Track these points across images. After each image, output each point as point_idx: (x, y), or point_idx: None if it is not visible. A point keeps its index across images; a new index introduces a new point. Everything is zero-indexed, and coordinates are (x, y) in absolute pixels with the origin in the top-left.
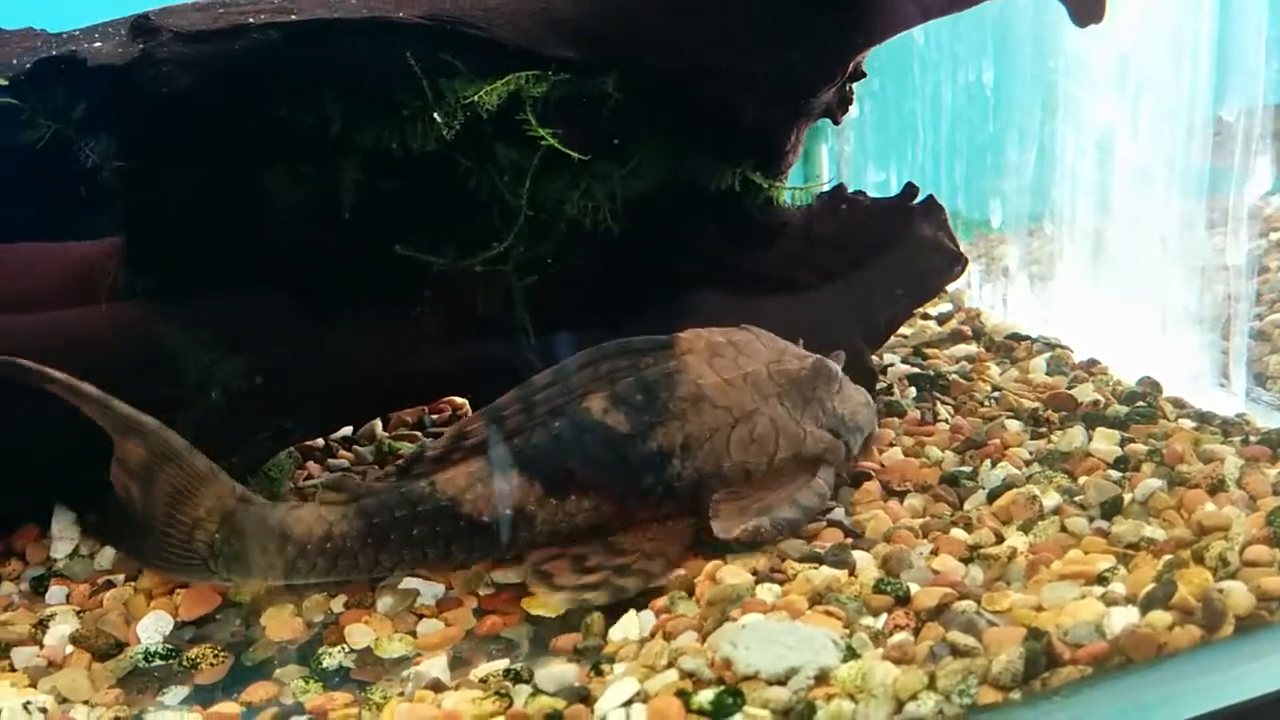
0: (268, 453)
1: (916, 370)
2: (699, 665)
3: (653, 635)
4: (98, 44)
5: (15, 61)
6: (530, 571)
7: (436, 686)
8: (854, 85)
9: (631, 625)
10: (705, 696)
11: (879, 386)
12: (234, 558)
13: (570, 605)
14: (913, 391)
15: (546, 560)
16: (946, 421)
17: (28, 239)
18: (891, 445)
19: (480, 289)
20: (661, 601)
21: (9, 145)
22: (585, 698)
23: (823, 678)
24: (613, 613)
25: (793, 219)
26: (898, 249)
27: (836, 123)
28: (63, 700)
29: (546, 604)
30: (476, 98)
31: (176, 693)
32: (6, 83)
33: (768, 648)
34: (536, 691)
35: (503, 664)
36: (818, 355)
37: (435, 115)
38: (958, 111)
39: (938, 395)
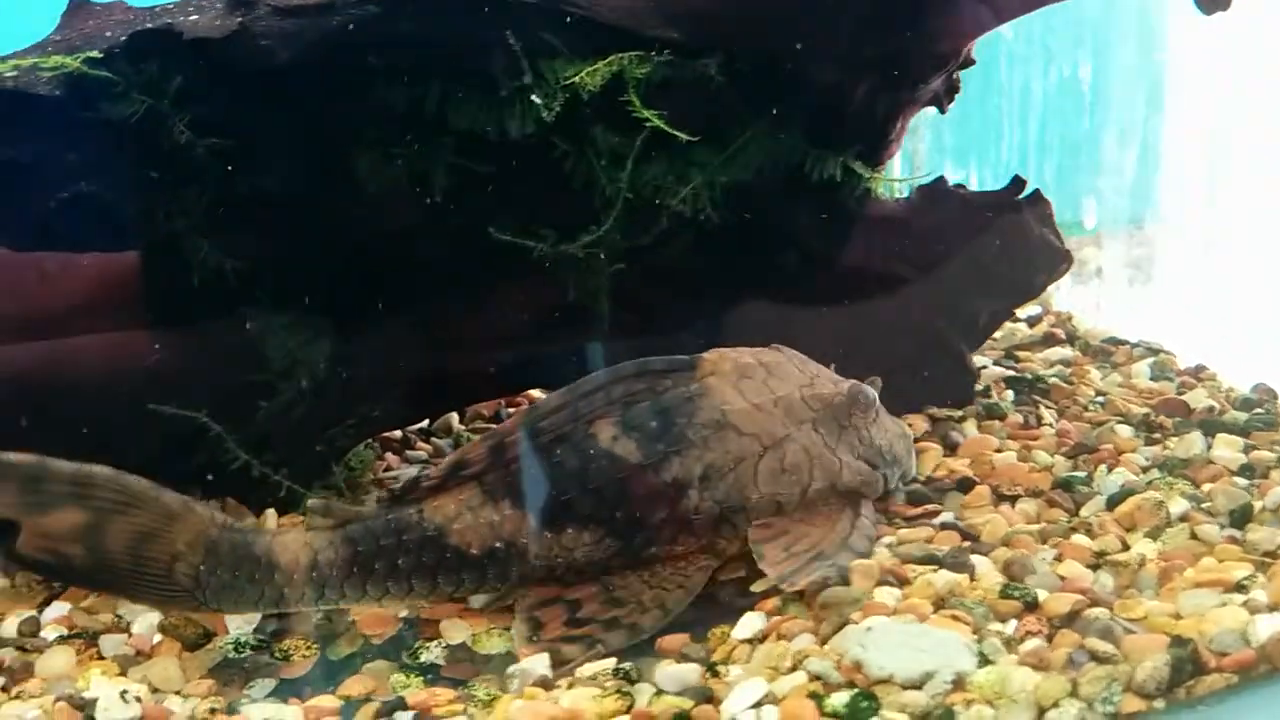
0: (353, 441)
1: (1011, 373)
2: (826, 668)
3: (764, 638)
4: (194, 17)
5: (108, 34)
6: (521, 617)
7: (545, 684)
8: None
9: (744, 627)
10: (839, 700)
11: (977, 388)
12: (221, 588)
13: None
14: (1009, 394)
15: (540, 606)
16: (1051, 426)
17: (118, 215)
18: (998, 450)
19: (571, 278)
20: (771, 603)
21: (104, 121)
22: (709, 698)
23: (959, 683)
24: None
25: (891, 211)
26: (1002, 244)
27: (943, 111)
28: (155, 690)
29: None
30: (578, 79)
31: (263, 685)
32: (100, 55)
33: (899, 651)
34: (660, 691)
35: (610, 663)
36: (854, 380)
37: (534, 96)
38: (1050, 107)
39: (1038, 399)
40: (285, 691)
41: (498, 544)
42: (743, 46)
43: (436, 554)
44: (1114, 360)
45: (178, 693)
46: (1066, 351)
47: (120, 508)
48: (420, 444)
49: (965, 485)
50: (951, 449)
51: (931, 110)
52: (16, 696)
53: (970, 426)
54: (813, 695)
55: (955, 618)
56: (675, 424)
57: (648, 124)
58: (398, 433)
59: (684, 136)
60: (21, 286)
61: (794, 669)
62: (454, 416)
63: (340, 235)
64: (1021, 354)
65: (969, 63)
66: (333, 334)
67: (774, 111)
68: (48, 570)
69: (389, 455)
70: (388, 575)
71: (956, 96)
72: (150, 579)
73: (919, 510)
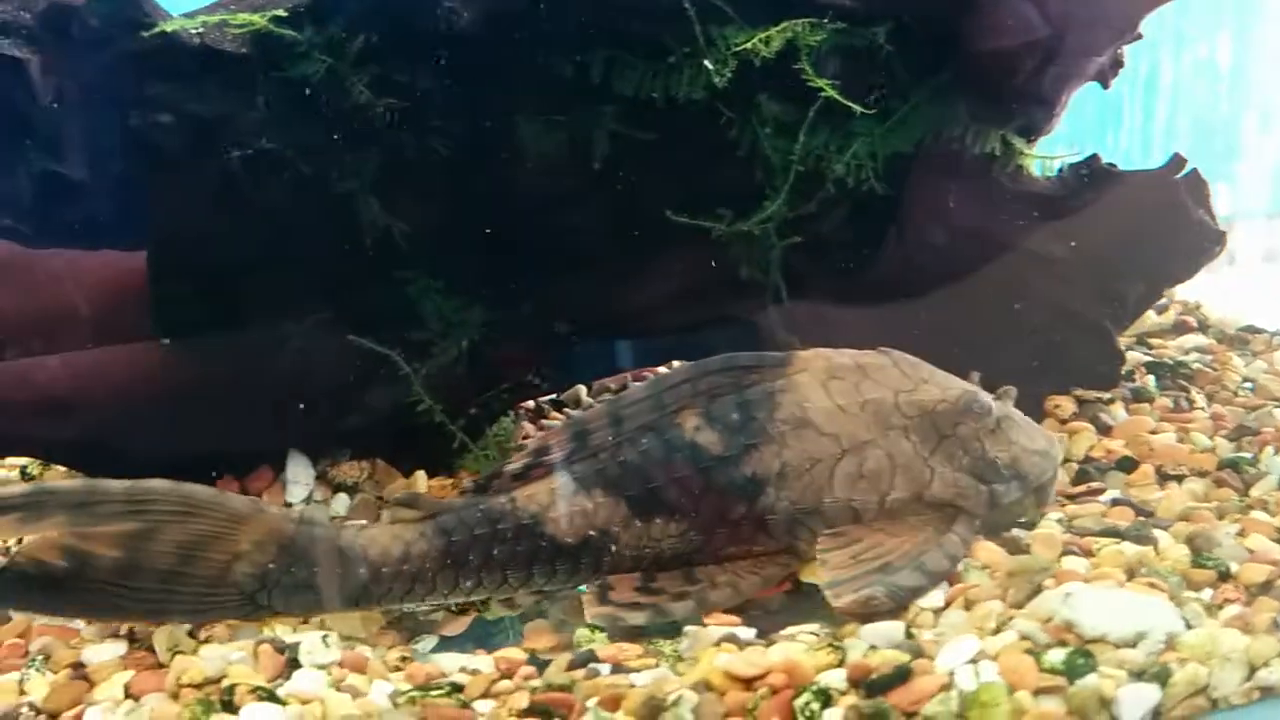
0: (505, 406)
1: (1149, 358)
2: (1032, 629)
3: (948, 604)
4: None
5: None
6: (593, 586)
7: (734, 641)
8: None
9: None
10: (1056, 656)
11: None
12: (295, 587)
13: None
14: (1151, 379)
15: (619, 581)
16: (1203, 410)
17: (295, 173)
18: (1153, 432)
19: (734, 250)
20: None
21: (286, 79)
22: (919, 654)
23: (1170, 642)
24: None
25: (1043, 189)
26: (1155, 224)
27: (1105, 87)
28: (344, 638)
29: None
30: (750, 45)
31: (427, 641)
32: (285, 14)
33: (1107, 613)
34: (873, 646)
35: (811, 625)
36: (971, 388)
37: (706, 63)
38: (1180, 92)
39: (1184, 383)
40: (445, 648)
41: (591, 532)
42: (913, 14)
43: (532, 543)
44: (1253, 348)
45: (364, 641)
46: (1200, 339)
47: (178, 517)
48: (554, 414)
49: (1127, 465)
50: (1103, 431)
51: None
52: (206, 640)
53: (1118, 409)
54: (1029, 651)
55: (1152, 585)
56: (756, 418)
57: (821, 93)
58: (530, 403)
59: (857, 108)
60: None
61: (998, 630)
62: (581, 388)
63: (499, 202)
64: (1154, 340)
65: (1137, 37)
66: (486, 300)
67: (939, 81)
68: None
69: (525, 425)
70: (482, 566)
71: (1120, 71)
72: (193, 590)
73: (1082, 488)
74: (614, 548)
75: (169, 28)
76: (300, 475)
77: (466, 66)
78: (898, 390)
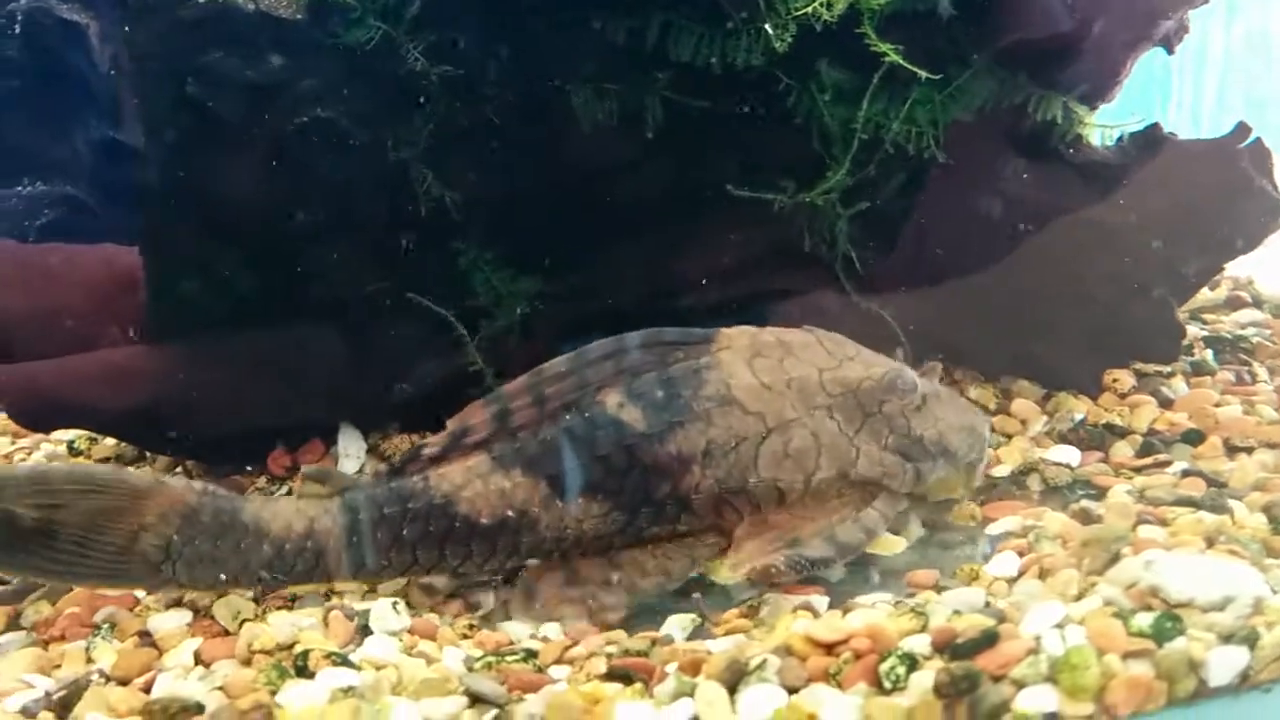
0: None
1: (1205, 332)
2: (1115, 594)
3: (1021, 573)
4: None
5: None
6: (520, 585)
7: (809, 609)
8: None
9: (999, 565)
10: (1144, 620)
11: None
12: (197, 560)
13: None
14: (1209, 353)
15: (543, 575)
16: (1266, 383)
17: (350, 140)
18: (1217, 405)
19: (793, 219)
20: (1021, 542)
21: (341, 46)
22: (1002, 619)
23: (1258, 607)
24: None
25: (1103, 158)
26: (1217, 195)
27: (1170, 51)
28: (410, 606)
29: (883, 544)
30: (812, 9)
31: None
32: None
33: (1191, 578)
34: (957, 612)
35: (884, 595)
36: (896, 365)
37: (766, 27)
38: (1230, 65)
39: (1245, 357)
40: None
41: (509, 513)
42: None
43: (444, 523)
44: None
45: (432, 610)
46: (1257, 314)
47: (82, 495)
48: None
49: (1193, 438)
50: (1165, 404)
51: None
52: (283, 608)
53: (1179, 382)
54: (1116, 615)
55: (1233, 552)
56: (681, 395)
57: (884, 59)
58: None
59: (922, 73)
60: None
61: (1080, 596)
62: None
63: (550, 171)
64: (1208, 316)
65: (1204, 0)
66: (537, 271)
67: (1001, 47)
68: None
69: None
70: (390, 546)
71: (1185, 37)
72: (100, 554)
73: (1149, 460)
74: (534, 529)
75: None
76: (351, 448)
77: (520, 32)
78: (822, 368)
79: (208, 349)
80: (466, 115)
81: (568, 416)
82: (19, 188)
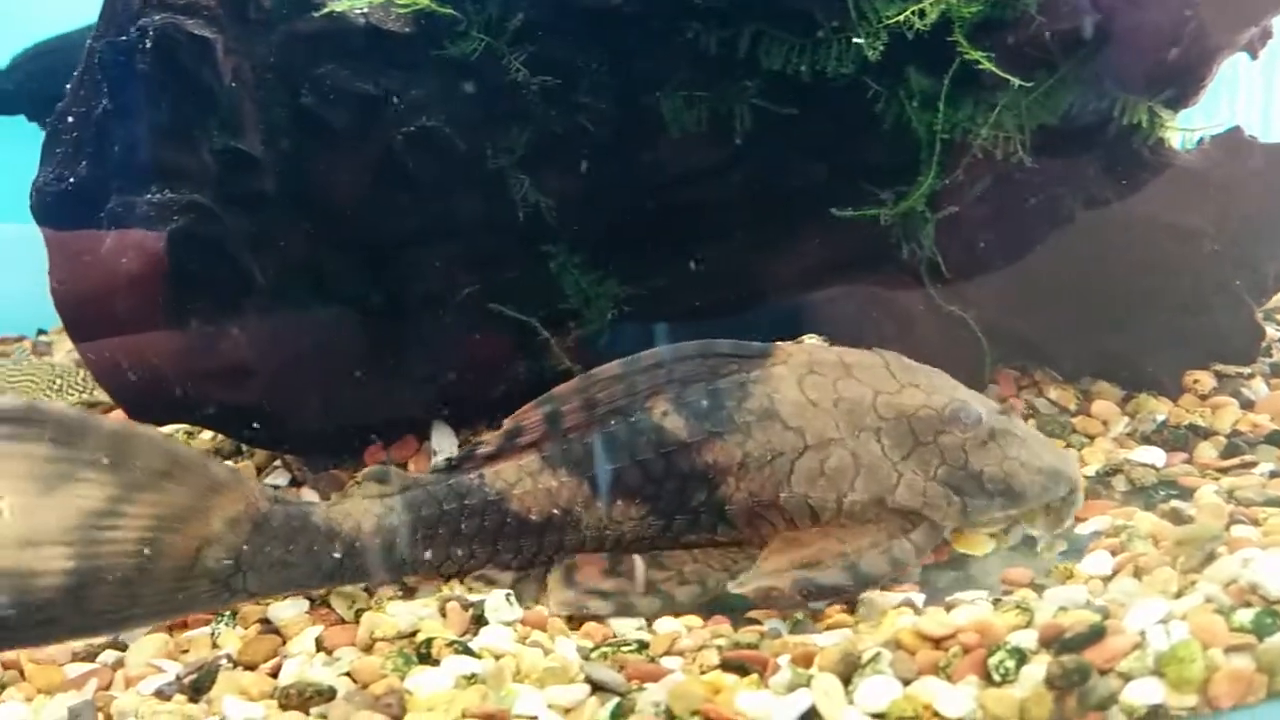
0: None
1: None
2: (1214, 591)
3: (1115, 572)
4: None
5: None
6: (560, 567)
7: (911, 606)
8: None
9: (1092, 563)
10: (1245, 616)
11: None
12: (268, 567)
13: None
14: None
15: (586, 563)
16: None
17: (454, 149)
18: None
19: (876, 220)
20: (1113, 541)
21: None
22: (1106, 615)
23: None
24: None
25: (1185, 161)
26: None
27: (1254, 57)
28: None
29: (973, 544)
30: (903, 18)
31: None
32: None
33: None
34: (1063, 608)
35: (979, 592)
36: (963, 398)
37: (857, 37)
38: None
39: None
40: None
41: (555, 510)
42: None
43: (498, 519)
44: None
45: (536, 602)
46: None
47: (158, 476)
48: None
49: (1277, 439)
50: (1246, 405)
51: None
52: (398, 598)
53: (1259, 383)
54: (1218, 611)
55: None
56: (724, 407)
57: (977, 65)
58: None
59: (1014, 80)
60: None
61: (1179, 594)
62: None
63: (639, 177)
64: None
65: None
66: (622, 274)
67: (1088, 52)
68: None
69: None
70: (451, 540)
71: (1269, 40)
72: (158, 584)
73: (1235, 461)
74: (577, 527)
75: (338, 8)
76: (444, 444)
77: (616, 42)
78: (879, 391)
79: (315, 347)
80: (561, 123)
81: (613, 421)
82: (148, 195)
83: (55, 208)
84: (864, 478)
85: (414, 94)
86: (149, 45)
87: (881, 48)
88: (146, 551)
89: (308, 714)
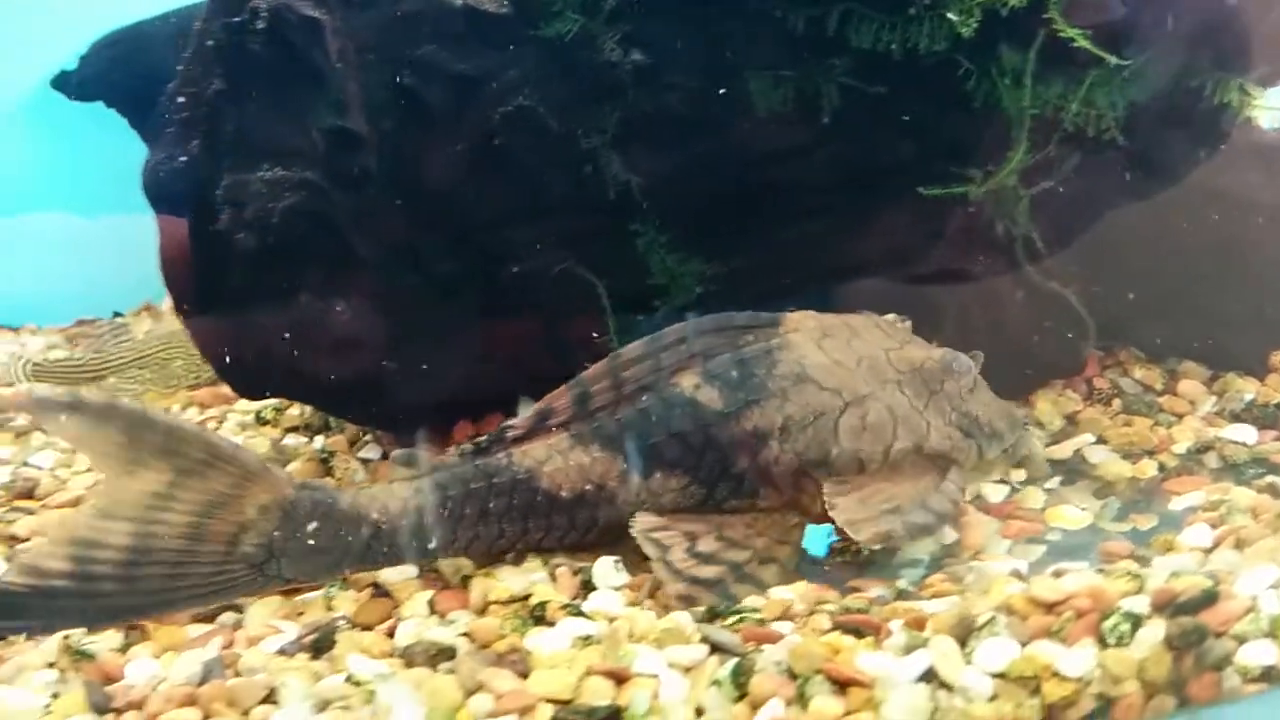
0: None
1: None
2: None
3: (1216, 544)
4: None
5: None
6: (643, 537)
7: (1018, 575)
8: None
9: (1193, 535)
10: None
11: None
12: (302, 554)
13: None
14: None
15: (657, 529)
16: None
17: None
18: None
19: (966, 198)
20: (1212, 515)
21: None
22: (1218, 580)
23: None
24: None
25: (1272, 138)
26: None
27: None
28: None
29: (1067, 518)
30: None
31: None
32: None
33: None
34: (1175, 574)
35: (1080, 563)
36: (947, 349)
37: (951, 14)
38: None
39: None
40: None
41: (588, 486)
42: None
43: (528, 496)
44: None
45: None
46: None
47: (203, 464)
48: None
49: None
50: None
51: None
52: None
53: None
54: None
55: None
56: (755, 375)
57: (1073, 43)
58: None
59: (1111, 58)
60: None
61: None
62: None
63: (726, 156)
64: None
65: None
66: (707, 254)
67: (1180, 28)
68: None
69: None
70: (478, 520)
71: None
72: (205, 567)
73: None
74: (611, 502)
75: None
76: None
77: (706, 21)
78: (886, 348)
79: (414, 324)
80: (651, 102)
81: (645, 398)
82: (260, 173)
83: (166, 186)
84: (903, 427)
85: (510, 74)
86: (261, 26)
87: (975, 24)
88: (192, 533)
89: (435, 670)
